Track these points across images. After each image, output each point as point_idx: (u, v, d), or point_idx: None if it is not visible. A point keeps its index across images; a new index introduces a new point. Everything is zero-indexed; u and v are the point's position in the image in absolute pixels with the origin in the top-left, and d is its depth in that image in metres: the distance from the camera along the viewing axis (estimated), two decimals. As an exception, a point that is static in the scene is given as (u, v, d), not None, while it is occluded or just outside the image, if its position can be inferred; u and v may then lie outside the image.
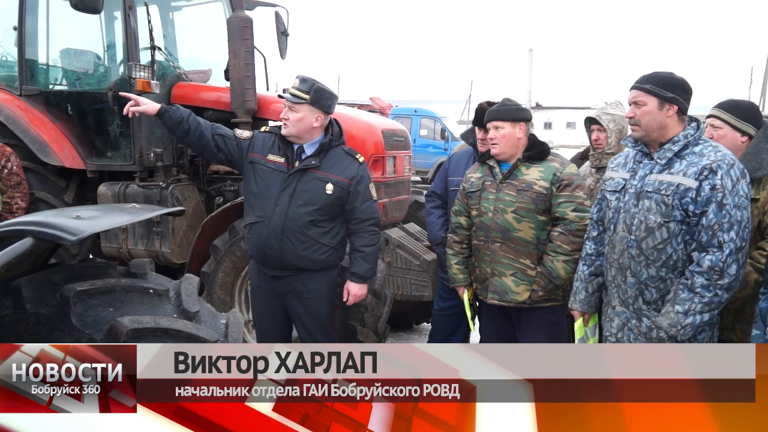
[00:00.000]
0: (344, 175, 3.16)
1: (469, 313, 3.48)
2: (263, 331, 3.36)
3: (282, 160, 3.17)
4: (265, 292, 3.30)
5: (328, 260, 3.22)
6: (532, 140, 3.26)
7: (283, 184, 3.14)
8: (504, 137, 3.20)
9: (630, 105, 2.61)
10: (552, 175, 3.16)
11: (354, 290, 3.30)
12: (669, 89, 2.53)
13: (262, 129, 3.35)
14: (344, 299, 3.33)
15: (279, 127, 3.24)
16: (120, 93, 3.55)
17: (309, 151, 3.18)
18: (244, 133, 3.29)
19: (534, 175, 3.18)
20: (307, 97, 3.08)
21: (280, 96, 3.28)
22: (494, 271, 3.22)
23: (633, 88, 2.61)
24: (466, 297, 3.44)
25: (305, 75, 3.14)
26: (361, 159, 3.26)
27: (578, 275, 2.91)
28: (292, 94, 3.10)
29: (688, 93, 2.58)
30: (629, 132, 2.69)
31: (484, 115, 3.69)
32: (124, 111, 3.21)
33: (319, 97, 3.10)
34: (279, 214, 3.12)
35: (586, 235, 2.94)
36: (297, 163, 3.15)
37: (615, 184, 2.72)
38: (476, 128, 3.83)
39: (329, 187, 3.13)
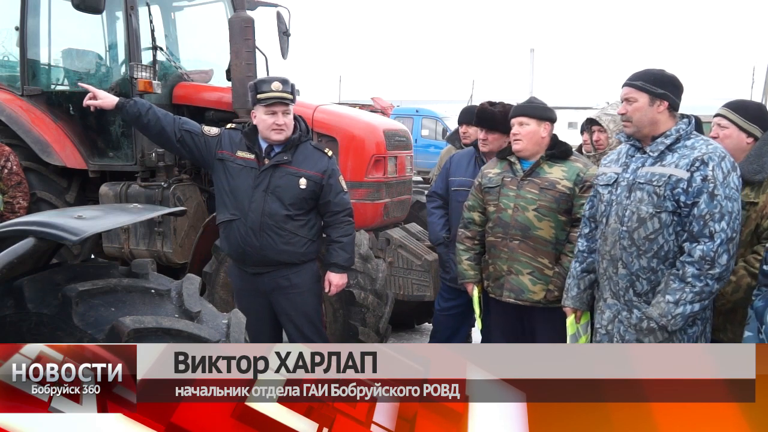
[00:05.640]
0: (316, 169, 3.21)
1: (477, 311, 3.45)
2: (253, 333, 3.35)
3: (252, 156, 3.21)
4: (250, 292, 3.32)
5: (307, 252, 3.26)
6: (554, 140, 3.26)
7: (255, 181, 3.17)
8: (528, 134, 3.19)
9: (622, 102, 2.63)
10: (575, 176, 3.15)
11: (335, 280, 3.33)
12: (659, 85, 2.56)
13: (228, 126, 3.39)
14: (326, 290, 3.36)
15: (244, 125, 3.27)
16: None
17: (278, 147, 3.21)
18: (212, 130, 3.31)
19: (557, 174, 3.18)
20: (292, 97, 3.15)
21: (254, 104, 3.24)
22: (511, 269, 3.20)
23: (624, 85, 2.63)
24: (475, 293, 3.41)
25: (283, 76, 3.18)
26: (330, 153, 3.32)
27: (570, 272, 2.93)
28: (284, 99, 3.12)
29: (678, 89, 2.59)
30: (630, 132, 2.70)
31: (486, 115, 3.69)
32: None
33: (295, 95, 3.19)
34: (255, 210, 3.16)
35: (578, 233, 2.94)
36: (267, 160, 3.18)
37: (607, 179, 2.74)
38: (477, 128, 3.83)
39: (302, 182, 3.18)
